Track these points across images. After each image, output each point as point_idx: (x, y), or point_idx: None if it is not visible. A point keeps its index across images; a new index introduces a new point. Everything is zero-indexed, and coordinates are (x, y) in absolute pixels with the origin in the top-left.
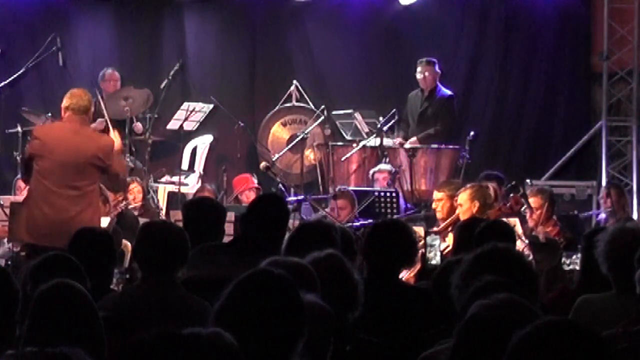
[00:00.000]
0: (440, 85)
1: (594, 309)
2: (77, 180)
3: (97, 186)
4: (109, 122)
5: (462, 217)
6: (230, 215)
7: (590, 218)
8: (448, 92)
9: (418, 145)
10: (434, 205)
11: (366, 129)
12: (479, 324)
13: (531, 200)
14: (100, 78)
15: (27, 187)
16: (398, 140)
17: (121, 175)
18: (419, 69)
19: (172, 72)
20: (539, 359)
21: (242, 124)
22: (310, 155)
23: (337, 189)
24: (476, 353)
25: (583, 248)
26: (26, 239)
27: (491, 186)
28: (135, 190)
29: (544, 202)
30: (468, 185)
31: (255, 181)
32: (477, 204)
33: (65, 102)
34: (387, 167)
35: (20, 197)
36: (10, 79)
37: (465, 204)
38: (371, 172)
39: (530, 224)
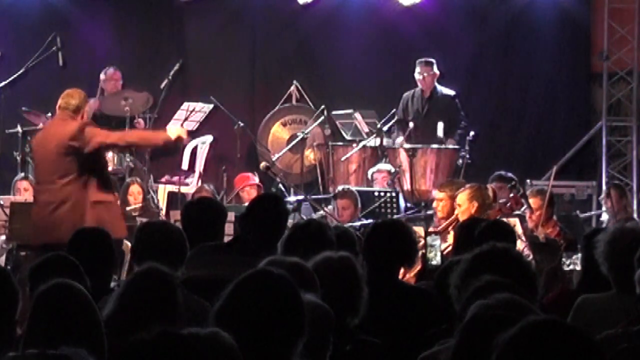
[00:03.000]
0: (438, 86)
1: (594, 308)
2: (54, 173)
3: (77, 179)
4: None
5: (461, 218)
6: (230, 215)
7: (590, 218)
8: (451, 92)
9: (419, 145)
10: (434, 205)
11: (366, 129)
12: (480, 324)
13: (531, 201)
14: (104, 76)
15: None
16: (400, 140)
17: (128, 139)
18: (417, 69)
19: (172, 72)
20: (526, 359)
21: (242, 124)
22: (310, 155)
23: (340, 189)
24: (477, 353)
25: (583, 248)
26: (30, 241)
27: (490, 187)
28: (135, 191)
29: (543, 203)
30: (467, 186)
31: (256, 179)
32: (475, 204)
33: (58, 102)
34: (386, 166)
35: (20, 198)
36: (10, 79)
37: (464, 204)
38: (370, 172)
39: (530, 225)
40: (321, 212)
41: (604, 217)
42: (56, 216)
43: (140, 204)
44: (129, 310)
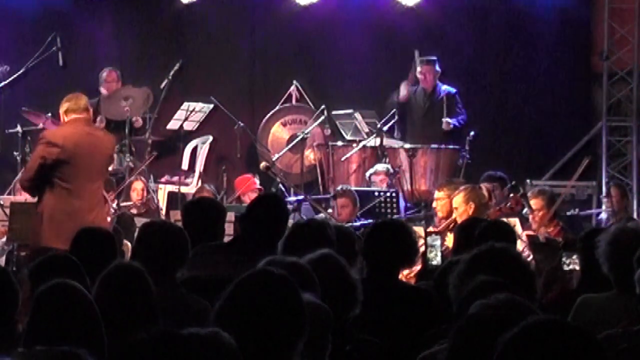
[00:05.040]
0: (440, 84)
1: (595, 308)
2: (94, 181)
3: (101, 185)
4: None
5: (459, 220)
6: (230, 215)
7: (590, 216)
8: (452, 89)
9: (419, 145)
10: (434, 205)
11: (366, 129)
12: (476, 324)
13: (532, 201)
14: (100, 79)
15: (40, 193)
16: (397, 139)
17: None
18: (418, 68)
19: (172, 72)
20: (528, 358)
21: (242, 124)
22: (310, 155)
23: (339, 188)
24: (474, 353)
25: (581, 249)
26: (58, 245)
27: (484, 186)
28: (138, 187)
29: (545, 203)
30: (461, 188)
31: (258, 182)
32: (472, 205)
33: (63, 107)
34: (383, 168)
35: (20, 198)
36: (10, 79)
37: (461, 206)
38: (367, 174)
39: (533, 225)
40: (322, 214)
41: (603, 215)
42: (97, 221)
43: (141, 201)
44: (105, 311)
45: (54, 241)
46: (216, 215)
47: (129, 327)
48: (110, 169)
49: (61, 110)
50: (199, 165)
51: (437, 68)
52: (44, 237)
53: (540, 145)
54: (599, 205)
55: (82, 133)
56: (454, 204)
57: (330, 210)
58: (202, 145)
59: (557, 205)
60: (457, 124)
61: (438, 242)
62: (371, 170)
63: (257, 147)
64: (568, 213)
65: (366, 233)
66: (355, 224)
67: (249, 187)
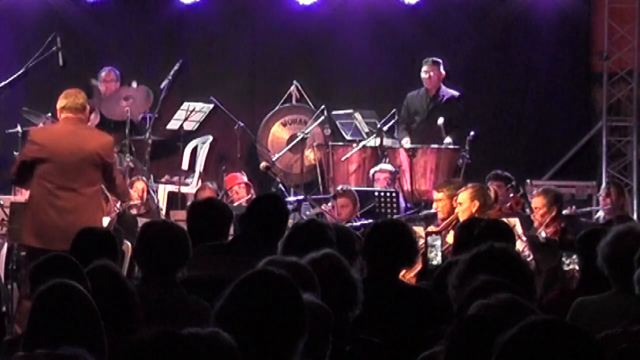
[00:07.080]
0: (443, 86)
1: (592, 310)
2: (76, 180)
3: (98, 187)
4: None
5: (461, 217)
6: None
7: (590, 214)
8: (455, 92)
9: (419, 145)
10: (434, 206)
11: (366, 129)
12: (473, 324)
13: (534, 200)
14: (98, 79)
15: (29, 190)
16: (406, 140)
17: (121, 188)
18: (424, 68)
19: (172, 72)
20: (527, 358)
21: (242, 124)
22: (310, 155)
23: (339, 188)
24: (472, 354)
25: (579, 250)
26: (34, 244)
27: (492, 188)
28: (139, 188)
29: (547, 202)
30: (469, 185)
31: (245, 178)
32: (477, 203)
33: (60, 103)
34: (388, 166)
35: (20, 198)
36: (10, 79)
37: (465, 202)
38: (372, 171)
39: (536, 224)
40: (317, 209)
41: (600, 214)
42: (79, 224)
43: (143, 201)
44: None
45: (32, 239)
46: (222, 217)
47: (108, 327)
48: None
49: (58, 106)
50: (199, 165)
51: (442, 70)
52: (24, 234)
53: (540, 145)
54: (598, 205)
55: (65, 132)
56: (459, 199)
57: (325, 206)
58: (202, 145)
59: (558, 204)
60: (454, 138)
61: (438, 242)
62: (376, 168)
63: (257, 147)
64: (565, 212)
65: (366, 233)
66: (355, 224)
67: (233, 182)
